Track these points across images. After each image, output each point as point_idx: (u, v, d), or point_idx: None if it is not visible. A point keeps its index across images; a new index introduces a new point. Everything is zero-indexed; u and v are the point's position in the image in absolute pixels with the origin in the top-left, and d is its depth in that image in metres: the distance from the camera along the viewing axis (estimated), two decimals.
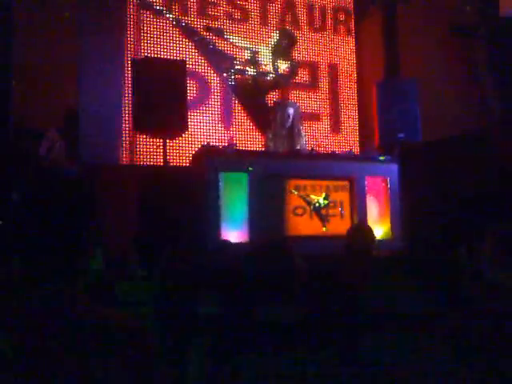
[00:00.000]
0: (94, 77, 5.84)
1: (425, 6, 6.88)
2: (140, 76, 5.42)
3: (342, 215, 5.47)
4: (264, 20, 7.18)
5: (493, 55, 6.23)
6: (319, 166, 5.50)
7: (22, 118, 5.38)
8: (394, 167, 5.82)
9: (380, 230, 5.58)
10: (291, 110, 5.82)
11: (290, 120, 5.79)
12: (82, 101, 5.80)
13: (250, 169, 5.07)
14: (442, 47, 6.64)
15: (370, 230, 4.18)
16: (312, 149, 5.98)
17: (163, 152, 5.64)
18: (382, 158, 5.85)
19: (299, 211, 5.33)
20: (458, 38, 6.54)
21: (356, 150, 7.24)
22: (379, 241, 5.36)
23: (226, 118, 6.75)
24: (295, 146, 5.73)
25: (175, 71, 5.55)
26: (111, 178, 5.44)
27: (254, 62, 7.00)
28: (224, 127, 6.71)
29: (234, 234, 4.99)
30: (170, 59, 6.30)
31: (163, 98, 5.30)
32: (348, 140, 7.50)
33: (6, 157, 4.99)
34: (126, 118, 6.06)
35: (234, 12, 7.02)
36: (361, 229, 4.50)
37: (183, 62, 5.83)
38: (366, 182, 5.63)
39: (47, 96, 5.46)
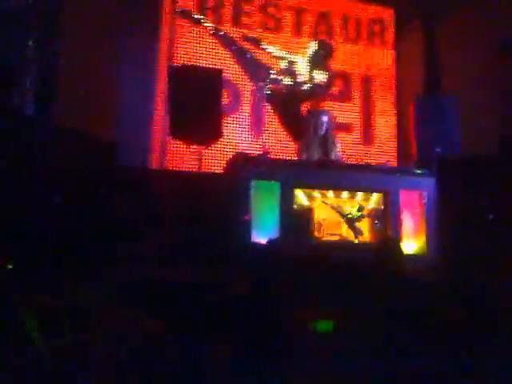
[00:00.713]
0: (130, 82, 5.96)
1: (468, 22, 6.78)
2: (176, 83, 5.49)
3: (376, 228, 5.37)
4: (298, 30, 7.19)
5: None
6: (353, 177, 5.41)
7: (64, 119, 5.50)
8: (432, 181, 5.68)
9: (414, 244, 5.43)
10: (325, 118, 5.77)
11: (324, 128, 5.74)
12: (119, 105, 5.91)
13: None
14: (484, 62, 6.51)
15: (398, 244, 4.08)
16: (347, 159, 5.90)
17: (198, 159, 5.68)
18: (418, 171, 5.73)
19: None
20: (503, 54, 6.40)
21: (393, 163, 7.13)
22: (413, 255, 5.26)
23: (258, 126, 6.75)
24: (329, 155, 5.67)
25: (212, 79, 5.60)
26: (144, 183, 5.51)
27: (290, 71, 7.01)
28: (256, 135, 6.71)
29: (265, 242, 4.95)
30: (206, 67, 6.37)
31: (199, 105, 5.34)
32: (383, 152, 7.40)
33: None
34: (160, 125, 6.13)
35: (268, 22, 7.05)
36: (389, 240, 4.40)
37: (220, 70, 5.87)
38: (400, 196, 5.50)
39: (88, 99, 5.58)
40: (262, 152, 5.56)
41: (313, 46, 7.09)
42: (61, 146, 5.28)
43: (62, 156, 5.19)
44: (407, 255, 4.20)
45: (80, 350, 2.36)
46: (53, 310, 2.60)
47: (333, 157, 5.69)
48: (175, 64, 6.23)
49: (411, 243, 5.42)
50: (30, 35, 5.18)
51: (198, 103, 5.35)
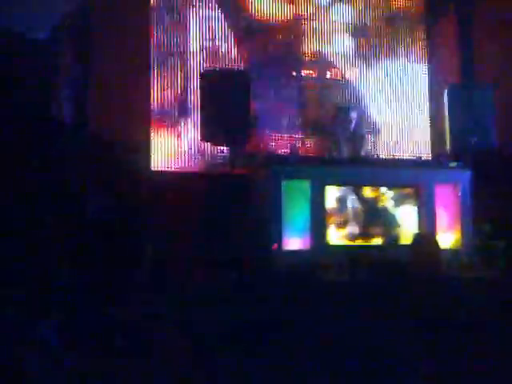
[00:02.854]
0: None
1: (504, 7, 6.59)
2: (206, 87, 5.59)
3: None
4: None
5: None
6: (385, 172, 5.38)
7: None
8: (466, 174, 5.58)
9: (449, 239, 5.36)
10: (354, 115, 5.73)
11: (353, 124, 5.69)
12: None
13: None
14: None
15: (434, 239, 4.03)
16: (377, 155, 5.85)
17: (229, 160, 5.77)
18: (452, 164, 5.63)
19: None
20: None
21: (427, 156, 7.01)
22: (448, 250, 5.19)
23: (290, 124, 6.73)
24: (359, 151, 5.64)
25: (240, 81, 5.67)
26: (178, 185, 5.66)
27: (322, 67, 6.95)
28: (287, 134, 6.71)
29: (296, 241, 5.00)
30: (235, 69, 6.43)
31: (229, 107, 5.43)
32: (418, 146, 7.28)
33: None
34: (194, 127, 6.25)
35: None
36: (425, 237, 4.36)
37: (247, 72, 5.94)
38: (435, 190, 5.43)
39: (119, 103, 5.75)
40: (290, 150, 5.58)
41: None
42: (97, 151, 5.48)
43: (98, 162, 5.38)
44: (443, 250, 4.14)
45: None
46: None
47: (363, 153, 5.66)
48: (205, 68, 6.31)
49: (446, 237, 5.36)
50: (67, 49, 5.39)
51: (228, 105, 5.44)
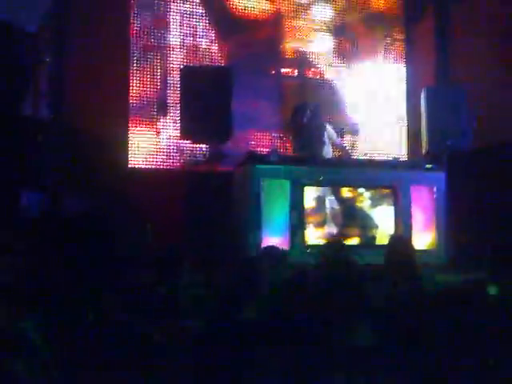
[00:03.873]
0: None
1: (480, 11, 6.69)
2: (186, 83, 5.54)
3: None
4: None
5: None
6: (362, 173, 5.43)
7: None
8: (442, 176, 5.68)
9: (425, 240, 5.46)
10: (310, 112, 5.63)
11: (313, 121, 5.60)
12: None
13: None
14: (496, 52, 6.42)
15: (409, 241, 4.08)
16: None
17: (210, 158, 5.76)
18: (428, 166, 5.72)
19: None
20: None
21: (403, 157, 7.11)
22: (423, 251, 5.28)
23: (270, 123, 6.74)
24: (319, 151, 5.59)
25: (221, 78, 5.63)
26: (157, 183, 5.61)
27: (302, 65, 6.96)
28: (267, 133, 6.72)
29: (275, 241, 5.01)
30: (216, 66, 6.40)
31: (208, 104, 5.39)
32: (395, 146, 7.37)
33: None
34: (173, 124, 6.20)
35: None
36: (400, 239, 4.40)
37: (229, 69, 5.90)
38: (411, 191, 5.51)
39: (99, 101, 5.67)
40: (270, 150, 5.57)
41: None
42: (73, 147, 5.39)
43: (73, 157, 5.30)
44: (418, 251, 4.20)
45: None
46: None
47: (323, 153, 5.60)
48: (185, 65, 6.26)
49: (422, 238, 5.45)
50: (43, 41, 5.27)
51: (208, 102, 5.39)
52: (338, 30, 7.25)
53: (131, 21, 6.18)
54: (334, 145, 5.82)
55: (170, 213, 5.42)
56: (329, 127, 5.84)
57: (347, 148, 6.07)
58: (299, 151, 5.63)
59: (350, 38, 7.28)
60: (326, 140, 5.74)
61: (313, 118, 5.66)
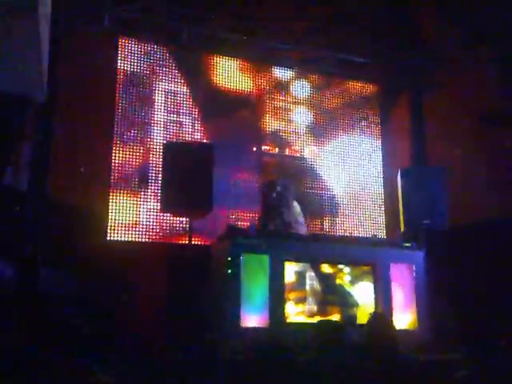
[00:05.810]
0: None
1: (452, 95, 7.01)
2: (169, 159, 5.60)
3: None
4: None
5: None
6: (343, 250, 5.44)
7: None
8: (420, 254, 5.72)
9: (405, 319, 5.40)
10: (280, 188, 5.66)
11: (281, 198, 5.61)
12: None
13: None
14: (470, 134, 6.68)
15: (389, 321, 4.02)
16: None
17: (189, 232, 5.71)
18: (407, 244, 5.77)
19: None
20: (488, 125, 6.59)
21: (382, 235, 7.18)
22: (404, 331, 5.21)
23: (251, 198, 6.79)
24: (290, 225, 5.57)
25: (203, 154, 5.71)
26: (137, 256, 5.54)
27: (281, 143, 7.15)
28: (248, 208, 6.75)
29: (254, 317, 4.91)
30: (198, 142, 6.53)
31: (190, 179, 5.43)
32: (373, 224, 7.46)
33: None
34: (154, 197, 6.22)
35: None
36: (380, 318, 4.34)
37: (211, 145, 6.02)
38: (390, 269, 5.52)
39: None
40: (249, 224, 5.57)
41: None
42: (53, 220, 5.33)
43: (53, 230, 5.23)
44: (399, 331, 4.14)
45: None
46: None
47: (293, 230, 5.56)
48: (168, 140, 6.39)
49: (403, 317, 5.40)
50: (26, 114, 5.33)
51: (189, 177, 5.44)
52: (317, 108, 7.54)
53: (117, 98, 6.34)
54: (296, 222, 5.77)
55: (149, 285, 5.31)
56: (296, 205, 5.85)
57: (306, 228, 5.98)
58: (265, 227, 5.60)
59: (328, 116, 7.56)
60: (292, 218, 5.69)
61: (282, 195, 5.68)
